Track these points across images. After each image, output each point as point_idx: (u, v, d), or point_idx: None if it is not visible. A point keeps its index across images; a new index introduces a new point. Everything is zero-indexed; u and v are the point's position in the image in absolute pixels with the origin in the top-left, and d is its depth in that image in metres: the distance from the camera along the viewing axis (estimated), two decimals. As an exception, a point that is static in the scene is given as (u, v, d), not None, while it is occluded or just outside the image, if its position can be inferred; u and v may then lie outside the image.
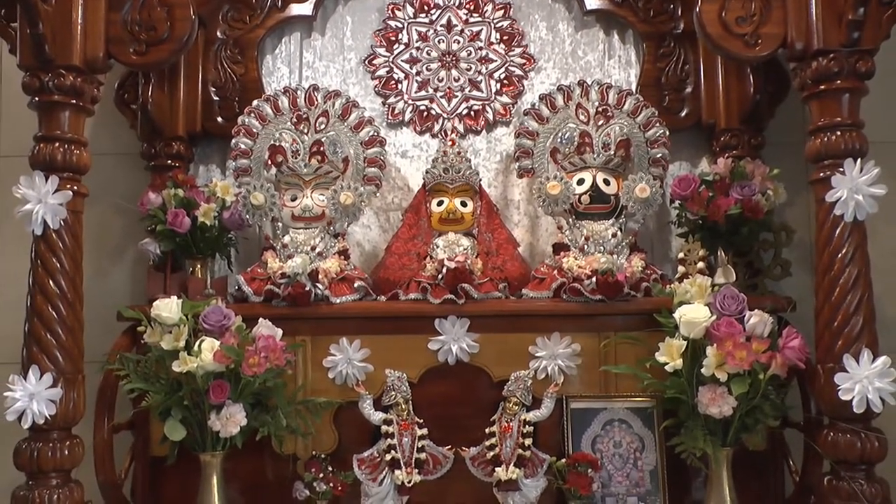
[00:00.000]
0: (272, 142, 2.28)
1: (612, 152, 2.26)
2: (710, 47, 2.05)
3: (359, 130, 2.32)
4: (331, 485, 2.01)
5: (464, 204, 2.25)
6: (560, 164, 2.29)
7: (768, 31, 1.95)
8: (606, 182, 2.25)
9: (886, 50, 1.89)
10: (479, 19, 2.49)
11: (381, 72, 2.49)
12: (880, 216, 1.88)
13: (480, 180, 2.32)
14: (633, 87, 2.41)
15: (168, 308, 1.96)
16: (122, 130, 2.45)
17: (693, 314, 1.94)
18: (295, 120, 2.30)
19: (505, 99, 2.47)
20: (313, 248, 2.22)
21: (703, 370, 1.89)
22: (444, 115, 2.47)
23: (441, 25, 2.49)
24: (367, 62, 2.50)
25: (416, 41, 2.49)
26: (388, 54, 2.50)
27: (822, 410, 1.94)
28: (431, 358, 2.13)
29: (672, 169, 2.40)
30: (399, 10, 2.50)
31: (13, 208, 1.91)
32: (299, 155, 2.27)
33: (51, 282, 1.89)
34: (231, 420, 1.92)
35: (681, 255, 2.22)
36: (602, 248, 2.20)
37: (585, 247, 2.21)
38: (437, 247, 2.21)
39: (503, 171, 2.46)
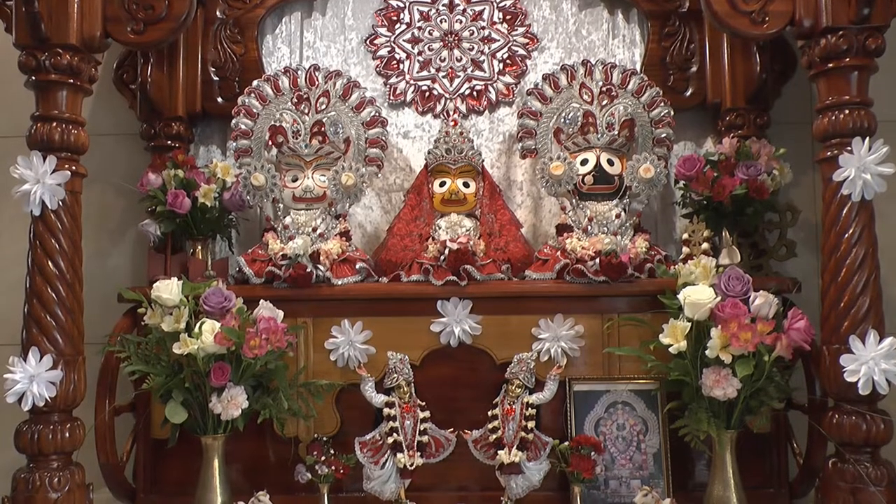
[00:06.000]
0: (273, 122, 2.26)
1: (616, 132, 2.23)
2: (717, 25, 2.01)
3: (360, 111, 2.30)
4: (332, 468, 2.00)
5: (466, 185, 2.24)
6: (563, 144, 2.27)
7: (776, 9, 1.92)
8: (610, 162, 2.23)
9: (896, 26, 1.87)
10: (482, -2, 2.46)
11: (383, 52, 2.47)
12: (887, 196, 1.86)
13: (483, 161, 2.30)
14: (638, 67, 2.39)
15: (168, 289, 1.95)
16: (121, 111, 2.44)
17: (697, 295, 1.92)
18: (295, 100, 2.28)
19: (508, 79, 2.45)
20: (314, 230, 2.21)
21: (707, 352, 1.88)
22: (447, 96, 2.44)
23: (443, 5, 2.46)
24: (368, 42, 2.47)
25: (418, 21, 2.46)
26: (389, 34, 2.47)
27: (828, 392, 1.92)
28: (434, 340, 2.12)
29: (677, 149, 2.38)
30: (400, -11, 2.48)
31: (11, 189, 1.89)
32: (300, 135, 2.25)
33: (50, 263, 1.88)
34: (232, 402, 1.92)
35: (685, 235, 2.21)
36: (606, 228, 2.18)
37: (589, 228, 2.19)
38: (440, 228, 2.20)
39: (506, 152, 2.44)
